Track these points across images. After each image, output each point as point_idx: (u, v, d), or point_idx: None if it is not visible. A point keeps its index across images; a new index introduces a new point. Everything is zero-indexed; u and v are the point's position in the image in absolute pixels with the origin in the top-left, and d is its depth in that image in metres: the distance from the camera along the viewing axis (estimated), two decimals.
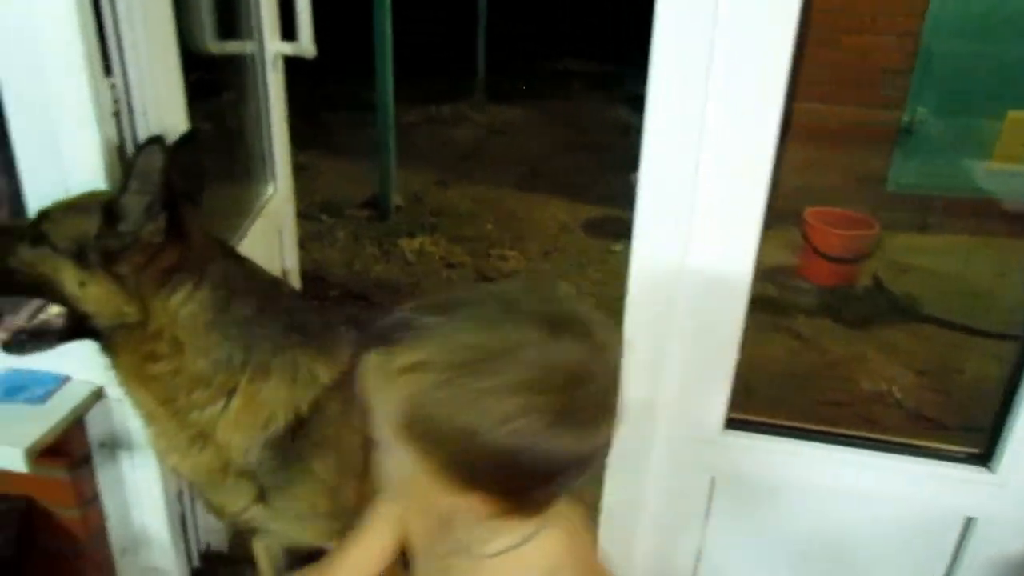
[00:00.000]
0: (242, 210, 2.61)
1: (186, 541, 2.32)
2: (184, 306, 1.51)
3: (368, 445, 1.72)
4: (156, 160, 1.39)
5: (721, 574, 1.96)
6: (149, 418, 1.64)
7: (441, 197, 5.78)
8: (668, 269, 1.62)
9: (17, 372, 1.98)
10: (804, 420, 1.87)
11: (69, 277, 1.47)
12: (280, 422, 1.61)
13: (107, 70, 1.73)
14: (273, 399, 1.60)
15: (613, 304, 4.29)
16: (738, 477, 1.84)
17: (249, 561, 2.20)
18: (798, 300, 4.14)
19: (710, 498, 1.86)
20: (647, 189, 1.57)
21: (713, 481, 1.84)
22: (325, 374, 1.64)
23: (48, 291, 1.51)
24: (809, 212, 4.28)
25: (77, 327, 1.53)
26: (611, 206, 5.59)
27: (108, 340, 1.53)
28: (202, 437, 1.61)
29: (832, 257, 4.22)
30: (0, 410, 1.84)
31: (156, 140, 1.40)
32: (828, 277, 4.28)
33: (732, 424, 1.77)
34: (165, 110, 1.87)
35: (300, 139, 3.29)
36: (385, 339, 1.79)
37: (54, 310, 1.57)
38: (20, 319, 1.57)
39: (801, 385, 3.46)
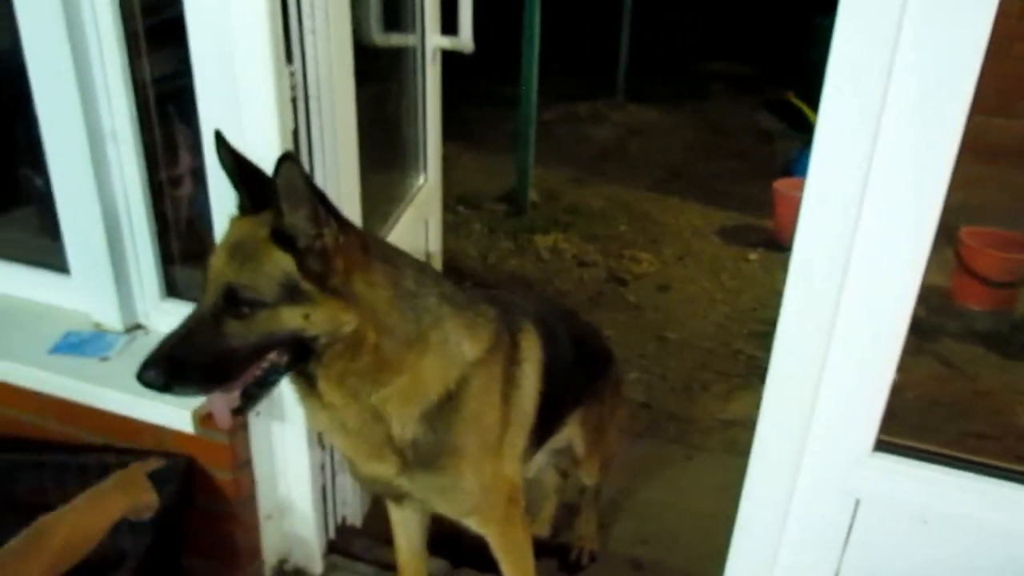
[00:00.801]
0: (394, 198, 2.70)
1: (325, 512, 2.42)
2: (374, 289, 1.55)
3: (504, 423, 1.78)
4: (295, 173, 1.41)
5: None
6: (328, 407, 1.66)
7: (576, 195, 5.79)
8: (827, 287, 1.56)
9: None
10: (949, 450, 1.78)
11: (292, 318, 1.48)
12: (433, 396, 1.65)
13: (288, 57, 1.82)
14: (430, 374, 1.64)
15: (747, 315, 4.27)
16: (883, 501, 1.77)
17: (383, 539, 2.27)
18: (948, 324, 3.94)
19: (852, 521, 1.80)
20: (810, 204, 1.52)
21: (857, 504, 1.77)
22: (470, 351, 1.69)
23: (275, 343, 1.50)
24: (965, 231, 4.07)
25: (298, 356, 1.54)
26: (749, 214, 5.48)
27: (322, 355, 1.54)
28: (373, 417, 1.66)
29: (990, 280, 3.99)
30: None
31: (288, 157, 1.42)
32: (984, 301, 4.06)
33: (881, 447, 1.71)
34: (338, 98, 1.96)
35: (441, 132, 3.37)
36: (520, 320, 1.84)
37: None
38: (238, 381, 1.53)
39: (947, 414, 3.29)
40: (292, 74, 1.83)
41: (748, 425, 3.33)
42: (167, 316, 2.21)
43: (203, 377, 1.50)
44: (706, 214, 5.56)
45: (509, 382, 1.79)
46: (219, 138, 1.54)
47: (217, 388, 1.53)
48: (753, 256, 4.98)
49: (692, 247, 5.11)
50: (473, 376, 1.69)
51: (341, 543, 2.50)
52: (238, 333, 1.47)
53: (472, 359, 1.69)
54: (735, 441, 3.30)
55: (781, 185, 5.07)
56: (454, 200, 5.41)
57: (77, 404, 2.10)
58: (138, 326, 2.25)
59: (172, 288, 2.22)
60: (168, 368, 1.46)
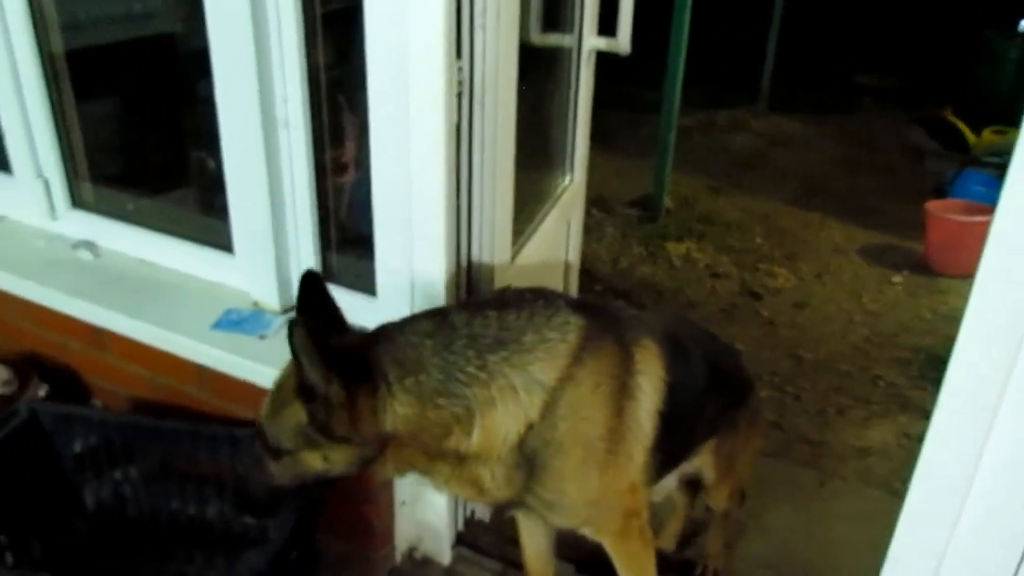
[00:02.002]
0: (541, 197, 2.71)
1: (455, 504, 2.45)
2: (396, 411, 1.58)
3: (613, 435, 1.73)
4: (301, 337, 1.47)
5: None
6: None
7: (711, 204, 5.68)
8: (1013, 321, 1.46)
9: None
10: None
11: (313, 460, 1.63)
12: (513, 436, 1.63)
13: (458, 52, 1.85)
14: (506, 421, 1.62)
15: (888, 340, 4.08)
16: None
17: (509, 538, 2.28)
18: None
19: (1016, 572, 1.69)
20: (1000, 228, 1.42)
21: None
22: (547, 374, 1.63)
23: (308, 479, 1.69)
24: None
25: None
26: (894, 234, 5.25)
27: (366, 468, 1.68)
28: (459, 470, 1.69)
29: None
30: None
31: (296, 322, 1.48)
32: None
33: None
34: (501, 95, 1.97)
35: None
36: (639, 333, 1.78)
37: None
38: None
39: None
40: (460, 69, 1.86)
41: (885, 455, 3.25)
42: None
43: (264, 509, 1.82)
44: (848, 231, 5.36)
45: (620, 392, 1.72)
46: (306, 278, 1.71)
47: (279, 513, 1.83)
48: (897, 279, 4.76)
49: (832, 265, 4.93)
50: (560, 396, 1.63)
51: (469, 536, 2.53)
52: (279, 473, 1.69)
53: (554, 381, 1.63)
54: (871, 471, 3.17)
55: (934, 207, 4.83)
56: (588, 203, 5.36)
57: (234, 378, 2.20)
58: (294, 307, 2.33)
59: (328, 273, 2.29)
60: (239, 501, 1.81)
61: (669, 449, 1.88)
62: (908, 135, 6.86)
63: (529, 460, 1.66)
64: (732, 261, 4.89)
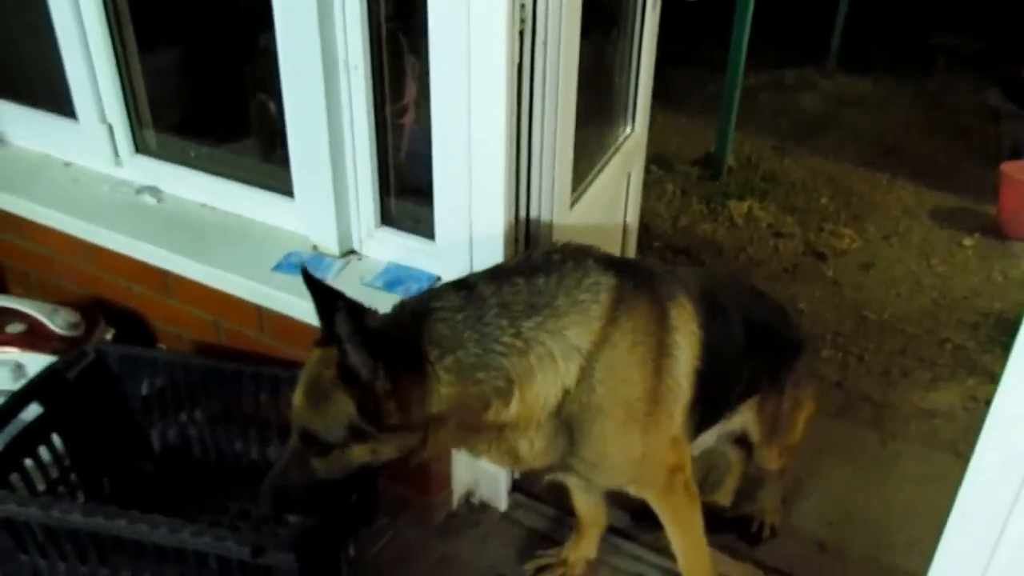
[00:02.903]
0: (601, 146, 2.67)
1: None
2: (441, 393, 1.55)
3: (652, 395, 1.70)
4: (348, 324, 1.42)
5: None
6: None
7: (776, 164, 5.54)
8: None
9: (399, 267, 2.19)
10: None
11: (360, 454, 1.58)
12: (552, 402, 1.62)
13: None
14: (544, 388, 1.60)
15: (957, 303, 3.97)
16: None
17: (564, 485, 2.28)
18: None
19: None
20: None
21: None
22: (582, 339, 1.61)
23: (355, 472, 1.63)
24: None
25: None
26: (967, 197, 5.08)
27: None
28: (499, 444, 1.69)
29: None
30: (381, 298, 2.03)
31: (342, 307, 1.43)
32: None
33: None
34: (564, 36, 1.93)
35: None
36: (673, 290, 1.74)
37: None
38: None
39: None
40: (523, 6, 1.82)
41: (950, 418, 3.17)
42: (380, 244, 2.30)
43: (306, 506, 1.69)
44: (919, 194, 5.18)
45: (657, 350, 1.70)
46: (305, 274, 1.61)
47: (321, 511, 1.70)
48: (968, 242, 4.60)
49: (900, 227, 4.79)
50: (597, 358, 1.62)
51: (525, 482, 2.54)
52: (322, 468, 1.60)
53: (589, 345, 1.61)
54: (935, 433, 3.09)
55: (1009, 168, 4.64)
56: (648, 160, 5.28)
57: (293, 320, 2.22)
58: (352, 251, 2.35)
59: (386, 217, 2.29)
60: (275, 500, 1.65)
61: (706, 407, 1.86)
62: (984, 97, 6.59)
63: (568, 425, 1.65)
64: (796, 221, 4.77)
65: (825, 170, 5.47)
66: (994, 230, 4.66)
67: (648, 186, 5.02)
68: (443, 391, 1.54)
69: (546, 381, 1.60)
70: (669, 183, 5.16)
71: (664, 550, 2.17)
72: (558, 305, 1.61)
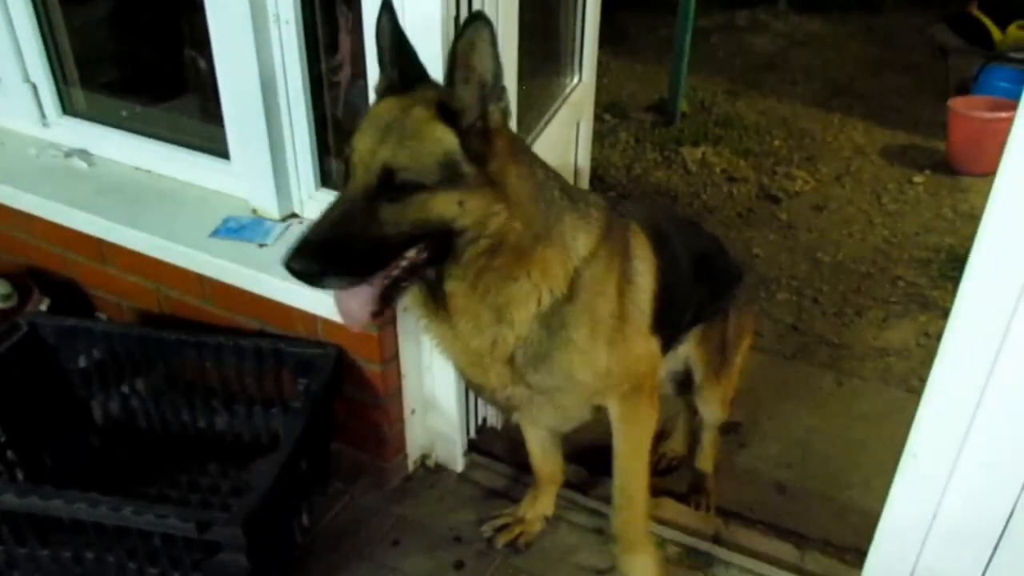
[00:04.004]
0: (549, 96, 2.60)
1: (467, 412, 2.43)
2: (521, 181, 1.52)
3: (620, 316, 1.72)
4: (487, 35, 1.32)
5: None
6: (451, 312, 1.62)
7: (729, 107, 5.51)
8: None
9: None
10: None
11: (446, 203, 1.41)
12: (557, 293, 1.62)
13: None
14: (555, 268, 1.61)
15: (908, 240, 3.99)
16: None
17: (521, 443, 2.26)
18: None
19: None
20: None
21: None
22: (583, 244, 1.65)
23: (425, 233, 1.44)
24: None
25: (439, 254, 1.49)
26: (917, 133, 5.10)
27: (462, 253, 1.49)
28: (493, 320, 1.62)
29: None
30: None
31: (480, 15, 1.33)
32: None
33: None
34: None
35: None
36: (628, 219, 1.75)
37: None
38: (377, 277, 1.45)
39: None
40: None
41: (904, 355, 3.20)
42: (321, 206, 2.21)
43: (355, 267, 1.41)
44: (870, 132, 5.19)
45: (623, 276, 1.75)
46: (385, 4, 1.46)
47: (366, 280, 1.44)
48: (919, 179, 4.62)
49: (852, 166, 4.79)
50: (585, 268, 1.66)
51: (482, 443, 2.52)
52: (392, 219, 1.39)
53: (585, 252, 1.65)
54: (890, 370, 3.13)
55: (957, 104, 4.65)
56: (601, 108, 5.23)
57: (235, 288, 2.16)
58: (293, 215, 2.27)
59: (327, 179, 2.22)
60: (321, 256, 1.38)
61: (659, 333, 1.88)
62: (933, 33, 6.59)
63: (548, 327, 1.65)
64: (750, 165, 4.76)
65: (778, 112, 5.46)
66: (944, 166, 4.68)
67: (602, 135, 4.98)
68: (515, 172, 1.51)
69: (558, 259, 1.61)
70: (623, 131, 5.10)
71: None
72: (580, 207, 1.67)
